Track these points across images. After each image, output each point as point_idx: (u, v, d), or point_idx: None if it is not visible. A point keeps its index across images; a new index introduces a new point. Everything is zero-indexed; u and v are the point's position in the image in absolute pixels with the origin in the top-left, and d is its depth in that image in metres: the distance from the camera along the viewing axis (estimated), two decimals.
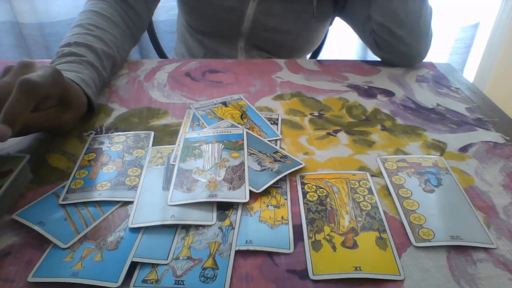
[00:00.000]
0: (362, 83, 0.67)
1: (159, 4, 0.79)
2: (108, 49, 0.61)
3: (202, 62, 0.71)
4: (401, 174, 0.46)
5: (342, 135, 0.54)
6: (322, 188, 0.44)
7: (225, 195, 0.41)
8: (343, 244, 0.37)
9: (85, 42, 0.58)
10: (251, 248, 0.37)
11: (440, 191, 0.44)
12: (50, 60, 0.58)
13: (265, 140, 0.50)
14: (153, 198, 0.41)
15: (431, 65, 0.76)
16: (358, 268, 0.35)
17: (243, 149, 0.47)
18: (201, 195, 0.41)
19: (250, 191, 0.41)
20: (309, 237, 0.38)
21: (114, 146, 0.48)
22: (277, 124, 0.55)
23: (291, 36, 0.81)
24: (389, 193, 0.44)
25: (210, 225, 0.38)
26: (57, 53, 0.57)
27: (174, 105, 0.58)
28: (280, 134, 0.53)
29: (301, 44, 0.84)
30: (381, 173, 0.47)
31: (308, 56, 1.00)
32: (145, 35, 0.84)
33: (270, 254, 0.36)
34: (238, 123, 0.53)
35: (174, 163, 0.45)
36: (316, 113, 0.58)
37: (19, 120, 0.39)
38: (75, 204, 0.40)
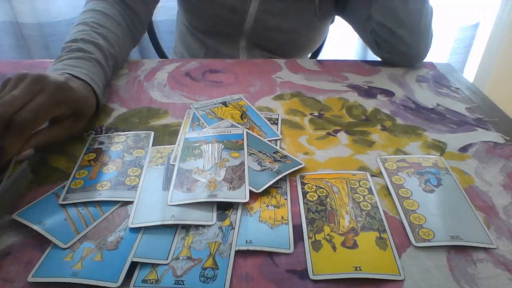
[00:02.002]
0: (362, 83, 0.67)
1: (159, 4, 0.79)
2: (112, 49, 0.61)
3: (202, 62, 0.71)
4: (401, 174, 0.46)
5: (342, 135, 0.54)
6: (322, 188, 0.44)
7: (225, 195, 0.41)
8: (343, 244, 0.37)
9: (91, 40, 0.58)
10: (251, 248, 0.36)
11: (440, 191, 0.44)
12: (50, 60, 0.58)
13: (265, 140, 0.50)
14: (153, 198, 0.41)
15: (431, 65, 0.76)
16: (358, 268, 0.35)
17: (243, 149, 0.47)
18: (201, 195, 0.41)
19: (250, 191, 0.41)
20: (309, 237, 0.38)
21: (114, 146, 0.48)
22: (277, 124, 0.55)
23: (293, 35, 0.81)
24: (389, 193, 0.44)
25: (210, 225, 0.38)
26: (64, 48, 0.56)
27: (174, 105, 0.58)
28: (280, 134, 0.53)
29: (303, 43, 0.84)
30: (381, 173, 0.47)
31: (308, 56, 1.00)
32: (145, 35, 0.84)
33: (270, 254, 0.36)
34: (238, 123, 0.53)
35: (174, 163, 0.45)
36: (316, 113, 0.58)
37: (11, 151, 0.41)
38: (75, 204, 0.40)
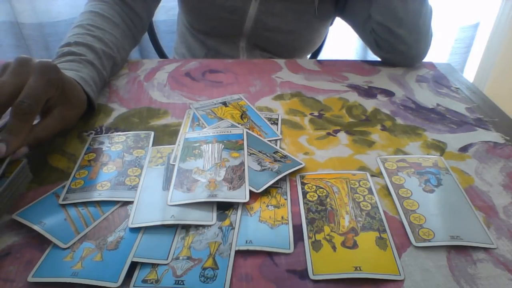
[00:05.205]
0: (362, 83, 0.67)
1: (159, 4, 0.79)
2: (108, 49, 0.61)
3: (202, 62, 0.71)
4: (401, 174, 0.46)
5: (342, 135, 0.54)
6: (322, 188, 0.44)
7: (225, 195, 0.41)
8: (343, 244, 0.37)
9: (84, 42, 0.58)
10: (251, 248, 0.37)
11: (440, 191, 0.44)
12: (50, 60, 0.58)
13: (265, 140, 0.50)
14: (153, 198, 0.41)
15: (431, 65, 0.76)
16: (358, 268, 0.35)
17: (243, 149, 0.47)
18: (201, 195, 0.41)
19: (250, 191, 0.41)
20: (309, 237, 0.38)
21: (114, 146, 0.48)
22: (277, 124, 0.55)
23: (293, 36, 0.81)
24: (389, 193, 0.44)
25: (210, 225, 0.38)
26: (57, 53, 0.57)
27: (174, 105, 0.58)
28: (280, 134, 0.53)
29: (302, 44, 0.85)
30: (381, 173, 0.47)
31: (308, 56, 1.00)
32: (145, 35, 0.84)
33: (270, 254, 0.36)
34: (238, 123, 0.53)
35: (174, 163, 0.45)
36: (316, 113, 0.58)
37: (19, 138, 0.40)
38: (75, 204, 0.40)
